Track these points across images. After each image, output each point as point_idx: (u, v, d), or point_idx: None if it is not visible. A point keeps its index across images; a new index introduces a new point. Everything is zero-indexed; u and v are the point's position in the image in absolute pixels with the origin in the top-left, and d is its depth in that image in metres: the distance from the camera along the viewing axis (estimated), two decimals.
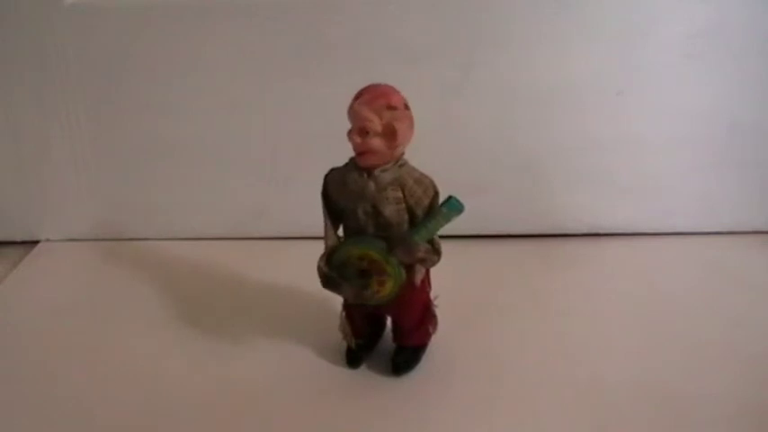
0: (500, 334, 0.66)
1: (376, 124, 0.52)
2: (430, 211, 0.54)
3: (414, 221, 0.54)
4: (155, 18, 0.77)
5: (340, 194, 0.56)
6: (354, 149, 0.53)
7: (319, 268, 0.57)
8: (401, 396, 0.58)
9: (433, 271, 0.58)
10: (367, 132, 0.52)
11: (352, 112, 0.52)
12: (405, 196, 0.54)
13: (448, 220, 0.53)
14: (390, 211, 0.54)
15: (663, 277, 0.75)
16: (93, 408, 0.58)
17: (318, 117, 0.73)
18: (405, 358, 0.61)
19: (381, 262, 0.54)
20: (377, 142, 0.52)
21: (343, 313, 0.61)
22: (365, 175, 0.54)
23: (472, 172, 0.79)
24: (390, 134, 0.52)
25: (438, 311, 0.61)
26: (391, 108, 0.52)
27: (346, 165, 0.55)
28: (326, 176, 0.57)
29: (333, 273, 0.56)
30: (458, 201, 0.52)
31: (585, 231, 0.82)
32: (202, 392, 0.59)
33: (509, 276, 0.75)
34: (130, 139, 0.82)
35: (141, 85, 0.79)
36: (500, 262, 0.79)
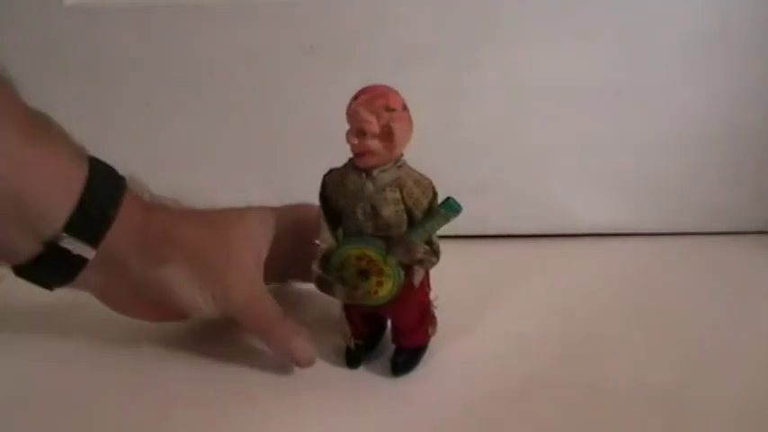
0: (500, 334, 0.66)
1: (374, 126, 0.51)
2: (429, 212, 0.54)
3: (412, 222, 0.54)
4: (155, 18, 0.77)
5: (339, 195, 0.56)
6: (352, 150, 0.53)
7: (312, 271, 0.57)
8: (401, 397, 0.58)
9: (432, 271, 0.58)
10: (364, 133, 0.52)
11: (350, 113, 0.52)
12: (403, 197, 0.54)
13: (447, 220, 0.53)
14: (389, 212, 0.54)
15: (663, 277, 0.75)
16: (92, 407, 0.58)
17: (318, 117, 0.73)
18: (404, 359, 0.61)
19: (379, 262, 0.54)
20: (374, 144, 0.52)
21: (343, 314, 0.61)
22: (364, 176, 0.54)
23: (472, 172, 0.79)
24: (388, 135, 0.52)
25: (438, 312, 0.61)
26: (389, 109, 0.51)
27: (345, 165, 0.55)
28: (325, 177, 0.57)
29: (325, 275, 0.56)
30: (456, 202, 0.52)
31: (585, 231, 0.82)
32: (202, 392, 0.59)
33: (509, 276, 0.75)
34: (130, 139, 0.82)
35: (141, 84, 0.79)
36: (500, 262, 0.78)
